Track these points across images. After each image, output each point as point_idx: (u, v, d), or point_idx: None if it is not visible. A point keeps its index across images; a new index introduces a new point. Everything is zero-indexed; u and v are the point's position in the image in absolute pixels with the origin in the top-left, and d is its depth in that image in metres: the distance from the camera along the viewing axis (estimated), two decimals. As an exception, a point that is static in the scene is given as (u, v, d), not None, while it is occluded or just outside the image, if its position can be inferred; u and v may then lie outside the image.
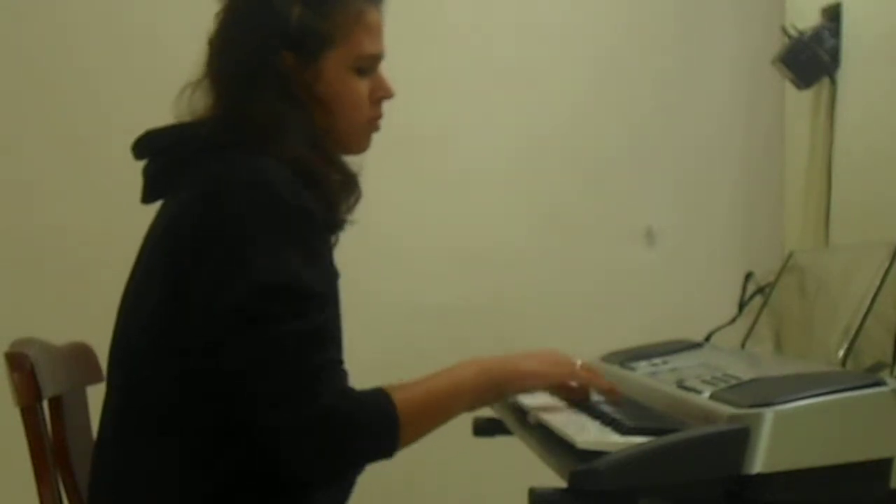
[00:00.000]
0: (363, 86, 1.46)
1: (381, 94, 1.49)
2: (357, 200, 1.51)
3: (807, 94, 2.45)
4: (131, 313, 1.39)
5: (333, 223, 1.45)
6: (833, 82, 2.34)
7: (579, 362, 1.51)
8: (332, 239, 1.49)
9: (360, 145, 1.51)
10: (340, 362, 1.30)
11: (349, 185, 1.48)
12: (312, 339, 1.27)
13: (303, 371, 1.25)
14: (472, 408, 1.42)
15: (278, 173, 1.32)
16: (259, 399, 1.26)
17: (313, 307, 1.28)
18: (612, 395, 1.52)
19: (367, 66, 1.46)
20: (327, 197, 1.40)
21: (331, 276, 1.38)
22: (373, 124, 1.50)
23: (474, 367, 1.41)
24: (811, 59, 2.32)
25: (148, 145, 1.44)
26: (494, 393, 1.44)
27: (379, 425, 1.28)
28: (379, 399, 1.30)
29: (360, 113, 1.47)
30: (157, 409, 1.32)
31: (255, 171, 1.32)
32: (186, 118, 1.43)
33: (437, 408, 1.36)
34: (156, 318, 1.33)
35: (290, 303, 1.26)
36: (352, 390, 1.28)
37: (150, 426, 1.33)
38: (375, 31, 1.46)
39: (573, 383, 1.52)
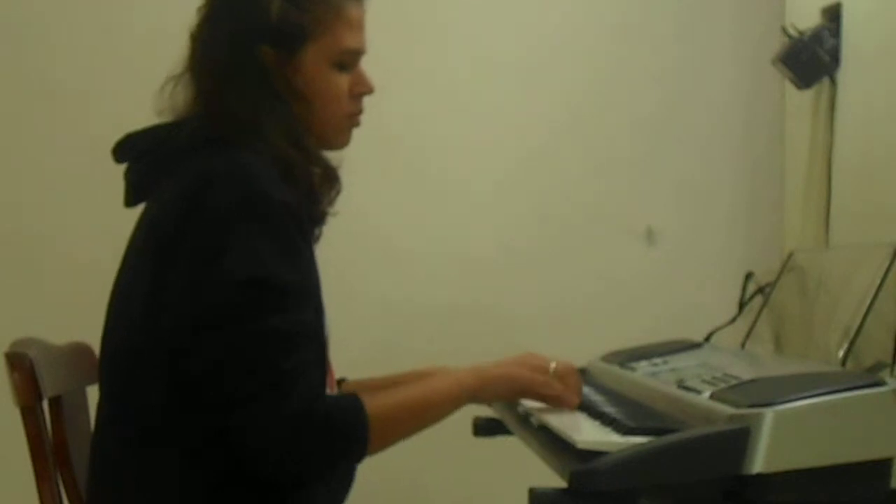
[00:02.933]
0: (343, 81, 1.46)
1: (361, 89, 1.48)
2: (338, 194, 1.50)
3: (807, 94, 2.45)
4: (117, 316, 1.39)
5: (315, 217, 1.45)
6: (833, 82, 2.34)
7: (553, 365, 1.48)
8: (317, 232, 1.49)
9: (340, 140, 1.51)
10: (315, 364, 1.29)
11: (329, 179, 1.47)
12: (287, 339, 1.26)
13: (275, 371, 1.24)
14: (446, 416, 1.40)
15: (259, 168, 1.32)
16: (229, 397, 1.25)
17: (290, 306, 1.27)
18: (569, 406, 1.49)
19: (348, 61, 1.46)
20: (308, 191, 1.40)
21: (312, 273, 1.37)
22: (352, 119, 1.50)
23: (449, 379, 1.42)
24: (811, 59, 2.32)
25: (128, 149, 1.44)
26: (468, 402, 1.42)
27: (349, 430, 1.27)
28: (351, 404, 1.29)
29: (339, 107, 1.47)
30: (146, 412, 1.32)
31: (236, 166, 1.32)
32: (167, 112, 1.43)
33: (408, 418, 1.36)
34: (140, 320, 1.32)
35: (266, 300, 1.26)
36: (324, 393, 1.28)
37: (141, 429, 1.32)
38: (356, 27, 1.46)
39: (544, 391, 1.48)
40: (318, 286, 1.39)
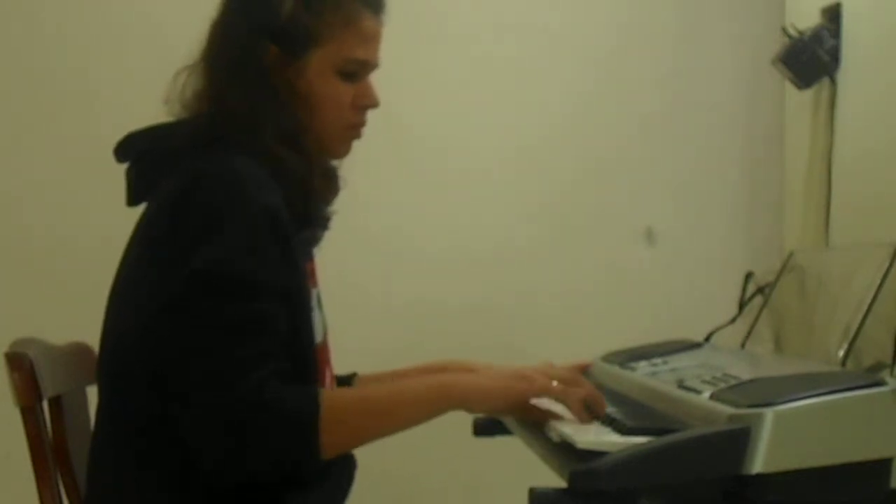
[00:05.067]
0: (346, 90, 1.45)
1: (364, 101, 1.48)
2: (336, 194, 1.50)
3: (807, 94, 2.45)
4: (114, 315, 1.39)
5: (310, 219, 1.44)
6: (833, 82, 2.34)
7: (554, 384, 1.37)
8: (319, 234, 1.49)
9: (338, 150, 1.50)
10: (273, 357, 1.25)
11: (327, 180, 1.47)
12: (242, 329, 1.24)
13: (225, 359, 1.22)
14: (424, 420, 1.32)
15: (248, 171, 1.32)
16: (177, 387, 1.24)
17: (249, 297, 1.25)
18: (596, 406, 1.38)
19: (354, 70, 1.45)
20: (304, 192, 1.39)
21: (286, 275, 1.33)
22: (352, 131, 1.49)
23: (430, 380, 1.38)
24: (811, 59, 2.32)
25: (129, 148, 1.45)
26: (450, 408, 1.34)
27: (294, 424, 1.23)
28: (302, 397, 1.25)
29: (339, 116, 1.46)
30: (143, 413, 1.32)
31: (225, 168, 1.32)
32: (174, 102, 1.44)
33: (374, 415, 1.31)
34: (134, 319, 1.33)
35: (223, 290, 1.25)
36: (275, 385, 1.23)
37: (137, 430, 1.32)
38: (368, 38, 1.46)
39: (544, 398, 1.38)
40: (299, 289, 1.37)
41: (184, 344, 1.25)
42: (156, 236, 1.33)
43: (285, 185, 1.35)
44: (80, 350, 1.62)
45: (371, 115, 1.52)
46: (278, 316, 1.30)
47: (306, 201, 1.41)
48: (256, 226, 1.29)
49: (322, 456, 1.25)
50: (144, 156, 1.44)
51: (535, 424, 1.49)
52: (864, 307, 1.63)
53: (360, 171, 1.54)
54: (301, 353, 1.35)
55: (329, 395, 1.28)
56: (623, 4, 2.81)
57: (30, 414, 1.39)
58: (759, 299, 2.15)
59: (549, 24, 2.77)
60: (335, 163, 1.51)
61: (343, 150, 1.51)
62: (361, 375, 1.72)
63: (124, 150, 1.45)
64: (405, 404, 1.33)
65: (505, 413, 1.53)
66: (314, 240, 1.51)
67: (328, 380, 1.47)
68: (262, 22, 1.40)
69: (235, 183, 1.30)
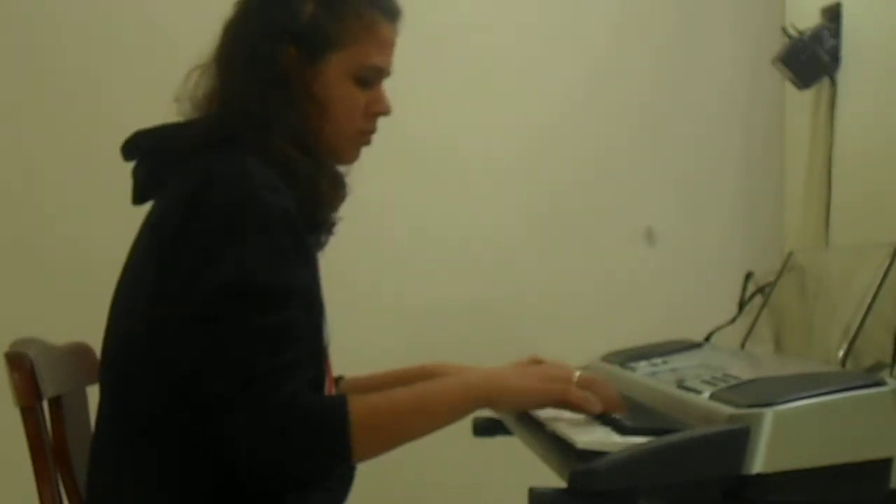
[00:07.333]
0: (360, 96, 1.46)
1: (377, 108, 1.48)
2: (343, 199, 1.50)
3: (807, 94, 2.45)
4: (119, 316, 1.39)
5: (318, 223, 1.45)
6: (833, 82, 2.34)
7: (577, 374, 1.39)
8: (323, 239, 1.49)
9: (347, 155, 1.50)
10: (303, 364, 1.26)
11: (335, 185, 1.47)
12: (270, 339, 1.24)
13: (251, 372, 1.22)
14: (452, 421, 1.33)
15: (259, 172, 1.31)
16: (207, 400, 1.23)
17: (274, 306, 1.25)
18: (611, 408, 1.40)
19: (369, 76, 1.46)
20: (311, 196, 1.39)
21: (305, 277, 1.34)
22: (363, 137, 1.50)
23: (458, 380, 1.37)
24: (811, 59, 2.32)
25: (136, 146, 1.44)
26: (478, 408, 1.36)
27: (325, 432, 1.23)
28: (332, 405, 1.25)
29: (351, 122, 1.46)
30: (146, 413, 1.31)
31: (236, 169, 1.31)
32: (184, 102, 1.44)
33: (405, 418, 1.31)
34: (141, 321, 1.32)
35: (249, 302, 1.24)
36: (305, 394, 1.24)
37: (139, 430, 1.32)
38: (384, 45, 1.46)
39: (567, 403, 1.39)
40: (315, 291, 1.38)
41: (211, 356, 1.24)
42: (166, 236, 1.32)
43: (293, 187, 1.35)
44: (80, 350, 1.62)
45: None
46: (302, 321, 1.30)
47: (313, 205, 1.41)
48: (275, 230, 1.29)
49: (354, 462, 1.27)
50: (152, 154, 1.43)
51: (535, 424, 1.50)
52: (864, 307, 1.63)
53: (358, 172, 1.54)
54: (317, 358, 1.36)
55: (358, 402, 1.26)
56: (623, 4, 2.81)
57: (30, 414, 1.39)
58: (759, 299, 2.15)
59: (548, 23, 2.77)
60: (342, 169, 1.51)
61: (352, 156, 1.51)
62: (348, 378, 1.72)
63: (131, 148, 1.44)
64: (432, 409, 1.33)
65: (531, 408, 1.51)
66: (318, 245, 1.51)
67: (329, 385, 1.47)
68: (282, 23, 1.40)
69: (249, 185, 1.29)
